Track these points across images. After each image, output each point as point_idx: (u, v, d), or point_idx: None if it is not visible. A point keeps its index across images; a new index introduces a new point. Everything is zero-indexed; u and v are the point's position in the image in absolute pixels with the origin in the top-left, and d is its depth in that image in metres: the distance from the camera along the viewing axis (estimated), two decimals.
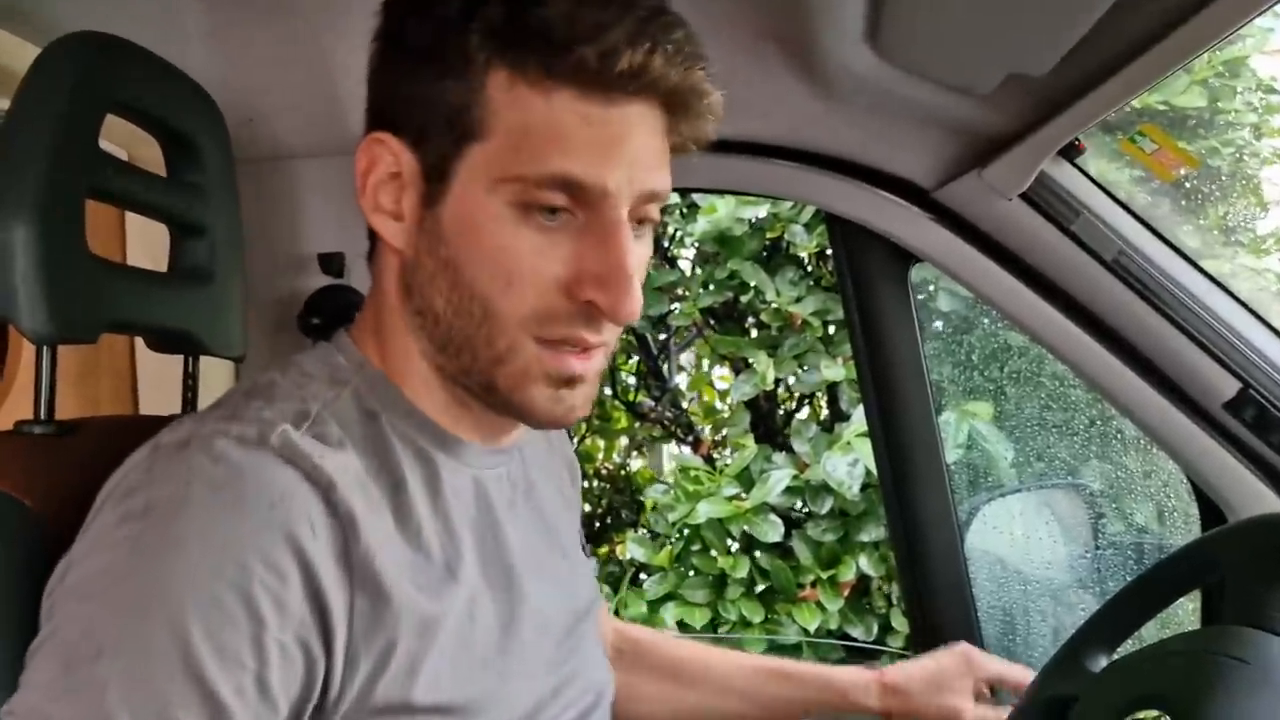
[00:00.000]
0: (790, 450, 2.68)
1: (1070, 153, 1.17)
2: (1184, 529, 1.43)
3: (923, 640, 1.43)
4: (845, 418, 2.65)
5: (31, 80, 0.71)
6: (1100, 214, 1.18)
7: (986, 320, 2.42)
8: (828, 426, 2.71)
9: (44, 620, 0.58)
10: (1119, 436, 1.80)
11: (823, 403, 2.96)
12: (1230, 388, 1.20)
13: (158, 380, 1.27)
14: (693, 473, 2.69)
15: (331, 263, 1.31)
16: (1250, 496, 1.23)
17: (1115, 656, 0.90)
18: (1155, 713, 0.74)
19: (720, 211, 2.67)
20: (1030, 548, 1.51)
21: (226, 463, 0.58)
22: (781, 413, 2.88)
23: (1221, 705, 0.70)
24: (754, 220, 2.70)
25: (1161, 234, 1.22)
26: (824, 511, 2.56)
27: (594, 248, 0.64)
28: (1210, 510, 1.30)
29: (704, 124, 0.67)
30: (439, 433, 0.70)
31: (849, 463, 2.45)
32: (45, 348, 0.73)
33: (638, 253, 0.66)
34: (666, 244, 3.03)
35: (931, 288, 2.39)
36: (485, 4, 0.62)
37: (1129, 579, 0.93)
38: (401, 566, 0.63)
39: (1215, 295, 1.21)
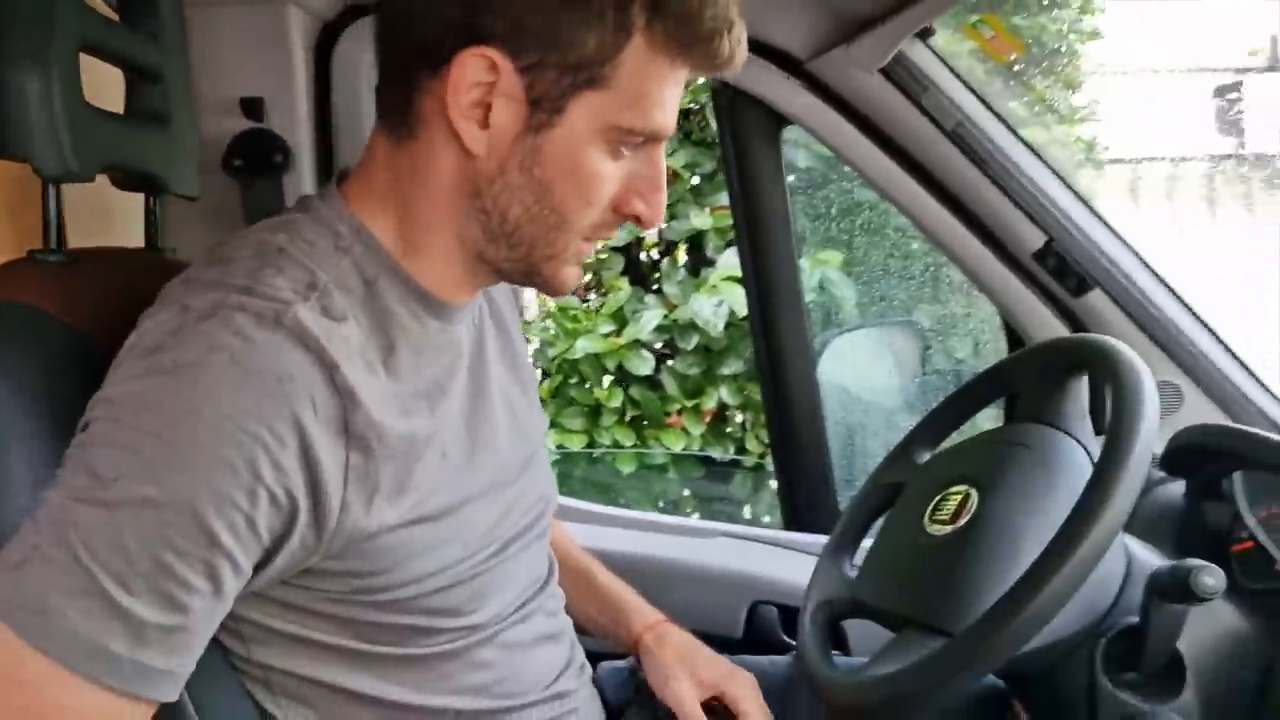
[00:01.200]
0: (660, 293, 2.89)
1: (924, 34, 1.35)
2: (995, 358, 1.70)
3: (782, 453, 1.67)
4: (710, 263, 2.85)
5: None
6: (945, 89, 1.37)
7: (836, 178, 2.64)
8: (695, 271, 2.92)
9: (79, 429, 0.68)
10: (948, 282, 2.05)
11: (681, 251, 3.15)
12: (1038, 240, 1.43)
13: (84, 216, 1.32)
14: (571, 312, 2.87)
15: (253, 107, 1.37)
16: (1048, 330, 1.50)
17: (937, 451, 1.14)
18: (964, 487, 0.96)
19: None
20: (869, 376, 1.76)
21: (245, 338, 0.67)
22: (650, 259, 3.07)
23: (1012, 479, 0.93)
24: None
25: (992, 108, 1.43)
26: (690, 348, 2.80)
27: (646, 172, 0.79)
28: (1017, 343, 1.56)
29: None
30: (431, 299, 0.81)
31: (715, 304, 2.67)
32: (52, 185, 0.81)
33: None
34: None
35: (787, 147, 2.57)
36: None
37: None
38: (394, 414, 0.75)
39: (1031, 161, 1.43)
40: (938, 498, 0.98)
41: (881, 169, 1.43)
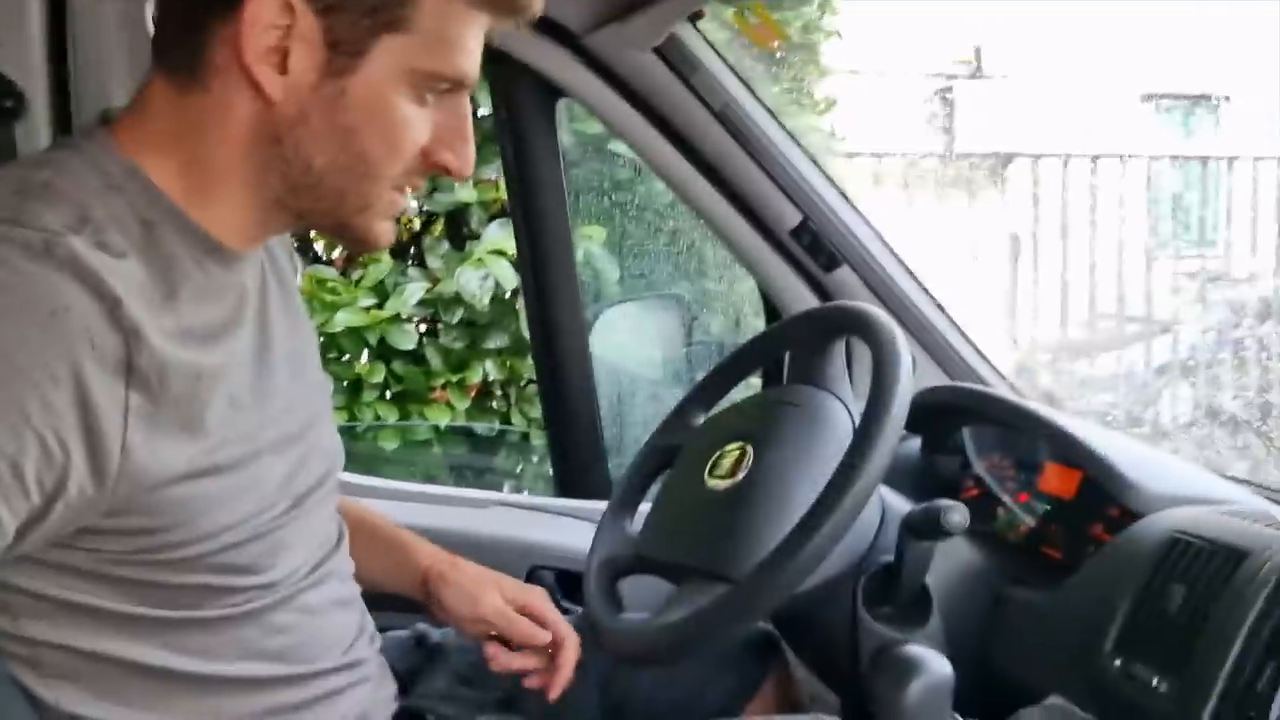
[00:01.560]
0: (424, 266, 2.84)
1: (694, 16, 1.41)
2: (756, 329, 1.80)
3: (555, 422, 1.70)
4: (475, 237, 2.83)
5: None
6: (713, 71, 1.44)
7: (600, 154, 2.69)
8: (459, 245, 2.89)
9: None
10: (711, 259, 2.15)
11: (439, 224, 3.11)
12: (795, 218, 1.54)
13: None
14: (329, 284, 2.77)
15: None
16: (802, 303, 1.61)
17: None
18: (740, 444, 1.03)
19: None
20: (638, 348, 1.83)
21: (11, 269, 0.64)
22: (412, 231, 3.01)
23: (783, 434, 1.01)
24: None
25: (755, 92, 1.52)
26: (454, 321, 2.78)
27: (452, 122, 0.78)
28: (775, 316, 1.67)
29: None
30: (214, 244, 0.77)
31: (481, 277, 2.66)
32: None
33: None
34: None
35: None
36: None
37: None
38: (180, 352, 0.71)
39: (789, 145, 1.53)
40: (716, 455, 1.04)
41: (653, 145, 1.48)
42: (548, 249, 1.63)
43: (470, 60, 0.76)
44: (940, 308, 1.63)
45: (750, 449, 1.01)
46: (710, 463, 1.04)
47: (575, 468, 1.70)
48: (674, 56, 1.42)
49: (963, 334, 1.62)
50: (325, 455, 0.91)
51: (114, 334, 0.67)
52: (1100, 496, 1.09)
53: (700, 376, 1.21)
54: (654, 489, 1.16)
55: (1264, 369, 4.24)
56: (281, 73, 0.72)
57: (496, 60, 1.49)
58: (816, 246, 1.56)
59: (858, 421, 0.98)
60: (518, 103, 1.55)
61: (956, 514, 0.91)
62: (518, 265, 2.66)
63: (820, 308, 1.16)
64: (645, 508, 1.15)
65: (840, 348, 1.09)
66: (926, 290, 1.62)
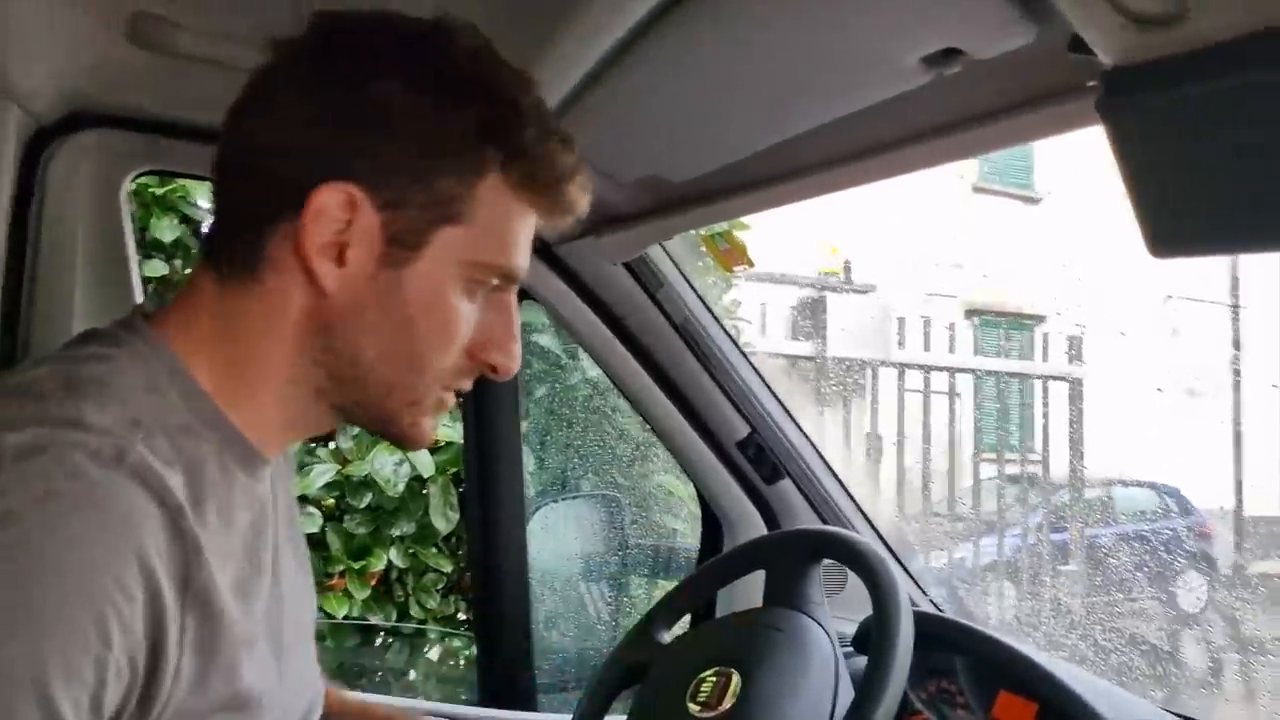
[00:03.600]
0: (333, 448, 2.75)
1: None
2: (690, 537, 1.81)
3: (485, 623, 1.64)
4: None
5: None
6: (676, 287, 1.50)
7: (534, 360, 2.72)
8: None
9: None
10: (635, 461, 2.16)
11: None
12: (743, 430, 1.58)
13: None
14: None
15: None
16: (743, 512, 1.63)
17: (676, 632, 1.19)
18: (722, 669, 1.01)
19: None
20: (572, 545, 1.80)
21: (85, 480, 0.60)
22: None
23: (770, 662, 1.00)
24: None
25: (711, 309, 1.58)
26: (361, 506, 2.67)
27: (499, 319, 0.78)
28: (712, 522, 1.68)
29: None
30: (246, 451, 0.74)
31: (396, 462, 2.60)
32: None
33: None
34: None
35: None
36: (500, 123, 0.73)
37: (653, 573, 1.23)
38: (228, 584, 0.68)
39: (740, 360, 1.59)
40: (696, 679, 1.02)
41: (612, 352, 1.52)
42: (496, 443, 1.62)
43: (521, 255, 0.77)
44: (872, 524, 1.68)
45: (736, 676, 0.99)
46: (691, 687, 1.02)
47: (503, 675, 1.64)
48: (642, 271, 1.48)
49: (893, 553, 1.67)
50: (313, 684, 0.87)
51: (178, 547, 0.63)
52: None
53: (637, 580, 1.20)
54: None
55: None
56: (340, 265, 0.72)
57: None
58: (760, 458, 1.60)
59: (839, 651, 0.99)
60: None
61: None
62: (454, 458, 2.61)
63: (801, 531, 1.18)
64: None
65: (820, 571, 1.10)
66: (860, 508, 1.67)
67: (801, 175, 1.10)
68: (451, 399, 0.80)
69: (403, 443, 0.80)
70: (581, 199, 0.79)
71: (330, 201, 0.70)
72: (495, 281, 0.76)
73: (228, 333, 0.74)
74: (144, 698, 0.62)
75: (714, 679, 1.01)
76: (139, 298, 1.33)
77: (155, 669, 0.62)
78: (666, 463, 2.37)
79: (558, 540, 1.80)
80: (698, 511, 1.75)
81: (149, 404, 0.68)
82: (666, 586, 2.09)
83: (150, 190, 2.67)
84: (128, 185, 1.33)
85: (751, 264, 1.39)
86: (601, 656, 1.92)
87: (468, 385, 0.80)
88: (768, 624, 1.05)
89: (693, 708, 0.99)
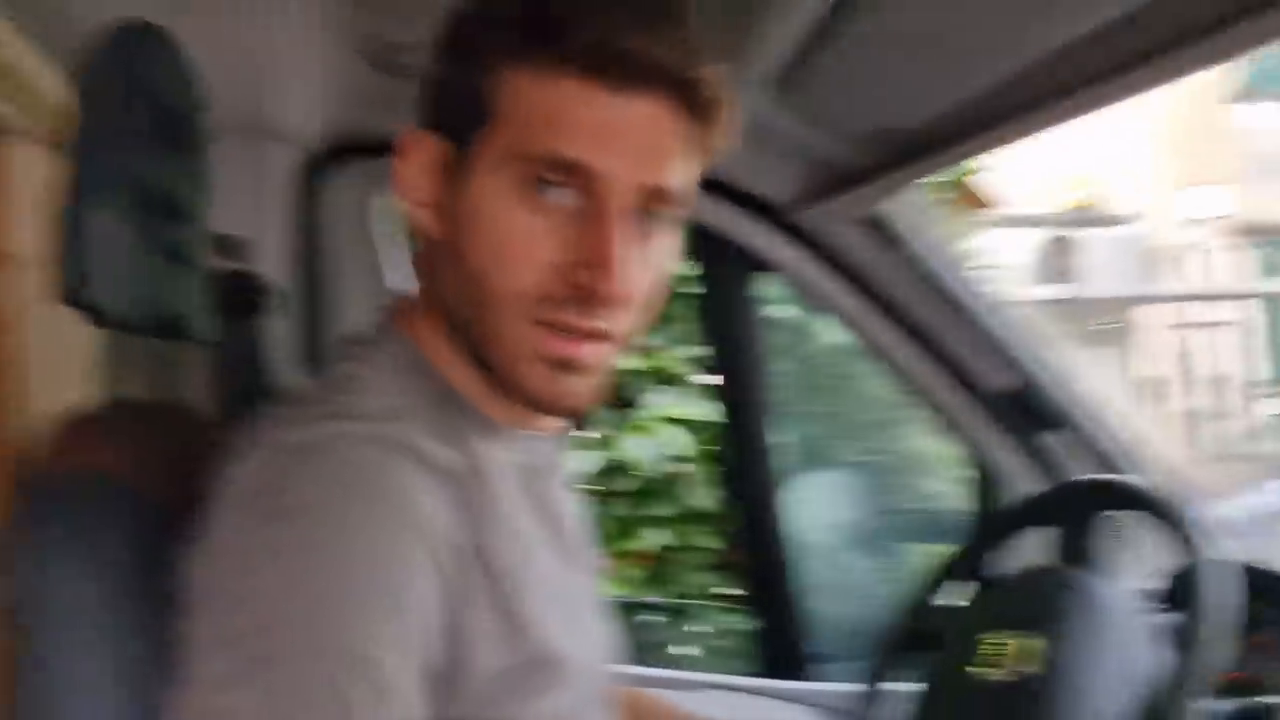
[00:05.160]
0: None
1: None
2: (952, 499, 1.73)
3: (755, 597, 1.65)
4: (629, 404, 2.85)
5: (99, 70, 0.72)
6: (922, 238, 1.44)
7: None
8: (619, 413, 2.91)
9: (191, 594, 0.60)
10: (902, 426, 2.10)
11: None
12: (1010, 380, 1.49)
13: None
14: None
15: (232, 247, 1.31)
16: (1017, 470, 1.54)
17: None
18: (1015, 634, 0.96)
19: None
20: (833, 516, 1.77)
21: (361, 466, 0.62)
22: None
23: (1069, 626, 0.94)
24: None
25: (957, 256, 1.51)
26: (623, 488, 2.76)
27: (588, 232, 0.66)
28: (984, 484, 1.60)
29: (715, 126, 0.70)
30: (489, 423, 0.73)
31: (653, 443, 2.66)
32: (104, 331, 0.74)
33: (639, 244, 0.68)
34: None
35: None
36: (499, 4, 0.68)
37: (918, 536, 1.17)
38: (513, 546, 0.70)
39: (1002, 308, 1.50)
40: (986, 641, 0.97)
41: (859, 315, 1.47)
42: (748, 417, 1.62)
43: (575, 139, 0.65)
44: (1163, 472, 1.54)
45: (1031, 641, 0.94)
46: (979, 649, 0.97)
47: (780, 647, 1.63)
48: (881, 227, 1.42)
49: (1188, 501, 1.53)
50: (607, 641, 0.87)
51: (459, 515, 0.66)
52: None
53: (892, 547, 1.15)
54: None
55: None
56: (429, 208, 0.71)
57: (699, 235, 1.53)
58: (1032, 409, 1.51)
59: (1147, 614, 0.91)
60: (718, 273, 1.57)
61: None
62: (709, 437, 2.61)
63: (1095, 481, 1.10)
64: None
65: (1113, 524, 1.03)
66: (1148, 455, 1.54)
67: (1045, 103, 1.01)
68: (559, 344, 0.68)
69: (517, 397, 0.71)
70: (644, 44, 0.65)
71: (406, 149, 0.71)
72: (555, 177, 0.66)
73: (427, 309, 0.74)
74: (453, 662, 0.64)
75: (1005, 643, 0.96)
76: None
77: (458, 634, 0.64)
78: (920, 426, 2.29)
79: (816, 510, 1.78)
80: (957, 474, 1.67)
81: (401, 390, 0.70)
82: (932, 552, 2.02)
83: None
84: (378, 205, 1.42)
85: (993, 205, 1.30)
86: (871, 626, 1.89)
87: (572, 318, 0.67)
88: (1062, 583, 0.98)
89: (985, 672, 0.95)
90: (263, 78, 1.20)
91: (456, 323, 0.71)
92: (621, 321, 0.70)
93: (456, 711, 0.66)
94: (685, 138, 0.68)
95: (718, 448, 1.62)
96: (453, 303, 0.70)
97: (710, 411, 2.72)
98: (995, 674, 0.95)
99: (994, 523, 1.14)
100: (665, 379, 2.79)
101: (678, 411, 2.70)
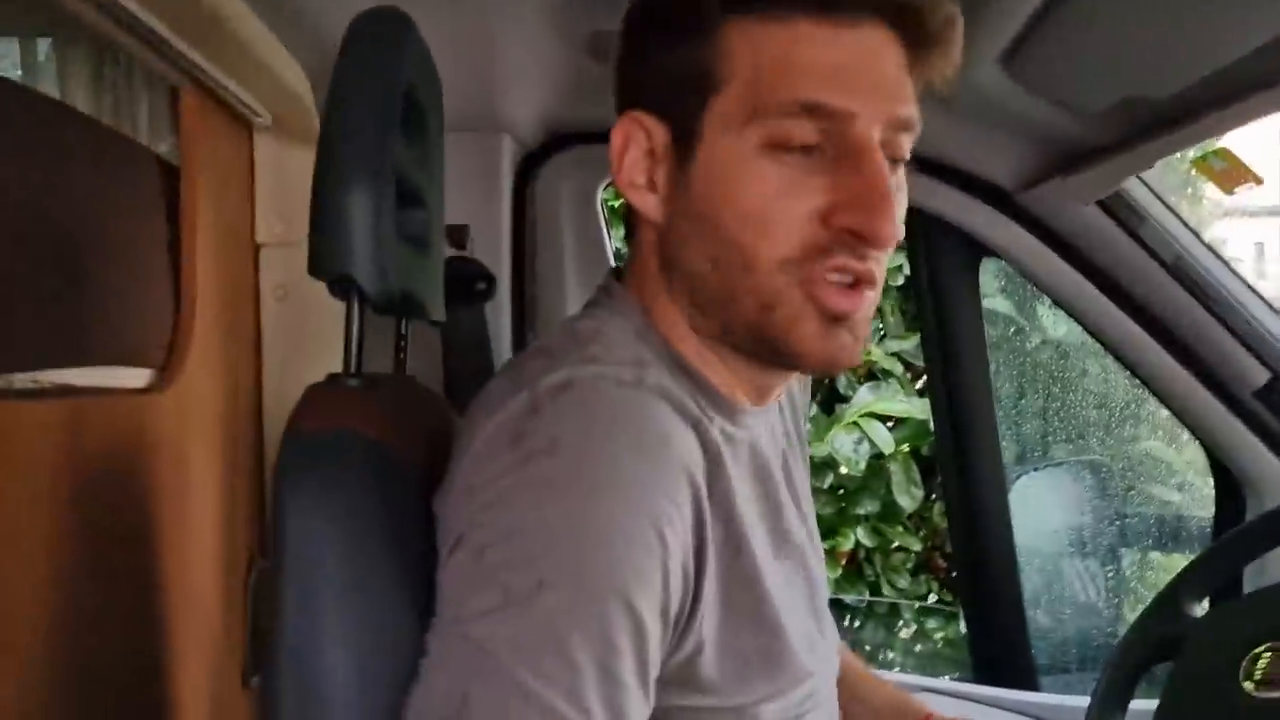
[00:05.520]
0: None
1: None
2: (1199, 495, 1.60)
3: (973, 600, 1.58)
4: (844, 399, 2.79)
5: (354, 53, 0.75)
6: (1162, 221, 1.34)
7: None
8: (826, 408, 2.86)
9: (450, 539, 0.61)
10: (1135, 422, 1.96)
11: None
12: (1261, 376, 1.36)
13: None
14: None
15: (457, 234, 1.37)
16: (1269, 472, 1.41)
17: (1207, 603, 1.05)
18: (1275, 644, 0.87)
19: None
20: (1058, 517, 1.67)
21: (617, 403, 0.63)
22: None
23: None
24: None
25: (1205, 241, 1.39)
26: (824, 486, 2.72)
27: (847, 173, 0.64)
28: (1228, 489, 1.47)
29: (944, 54, 0.68)
30: (722, 400, 0.72)
31: (855, 440, 2.61)
32: (356, 308, 0.77)
33: (893, 179, 0.66)
34: None
35: None
36: None
37: (1147, 547, 1.08)
38: (743, 496, 0.69)
39: (1250, 296, 1.38)
40: (1250, 655, 0.89)
41: (1090, 301, 1.38)
42: (969, 413, 1.55)
43: (819, 80, 0.63)
44: None
45: None
46: (1246, 664, 0.89)
47: (997, 652, 1.56)
48: (1119, 209, 1.33)
49: None
50: (831, 623, 0.85)
51: (704, 455, 0.66)
52: None
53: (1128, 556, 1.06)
54: None
55: None
56: (653, 191, 0.70)
57: (918, 218, 1.47)
58: None
59: None
60: (940, 261, 1.51)
61: None
62: (925, 432, 2.54)
63: None
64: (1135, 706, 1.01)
65: None
66: None
67: None
68: (832, 298, 0.66)
69: (793, 362, 0.70)
70: None
71: (623, 133, 0.70)
72: (804, 129, 0.63)
73: (640, 291, 0.74)
74: (693, 601, 0.64)
75: (1273, 654, 0.87)
76: None
77: (699, 572, 0.64)
78: (1152, 427, 2.13)
79: (1037, 512, 1.68)
80: (1191, 480, 1.54)
81: (639, 347, 0.70)
82: (1166, 562, 1.88)
83: (609, 204, 2.89)
84: (601, 193, 1.45)
85: (1259, 181, 1.19)
86: (1101, 635, 1.77)
87: (847, 260, 0.65)
88: None
89: (1249, 687, 0.87)
90: (488, 69, 1.24)
91: (705, 300, 0.70)
92: (884, 264, 0.69)
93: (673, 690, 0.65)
94: (910, 68, 0.67)
95: (935, 445, 1.56)
96: (700, 281, 0.69)
97: (915, 408, 2.63)
98: (1256, 689, 0.86)
99: (1257, 529, 1.04)
100: (870, 374, 2.73)
101: (882, 407, 2.62)
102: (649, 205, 0.70)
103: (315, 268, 0.73)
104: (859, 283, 0.67)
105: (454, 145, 1.36)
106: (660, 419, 0.64)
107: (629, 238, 0.78)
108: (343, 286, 0.73)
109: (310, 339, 1.20)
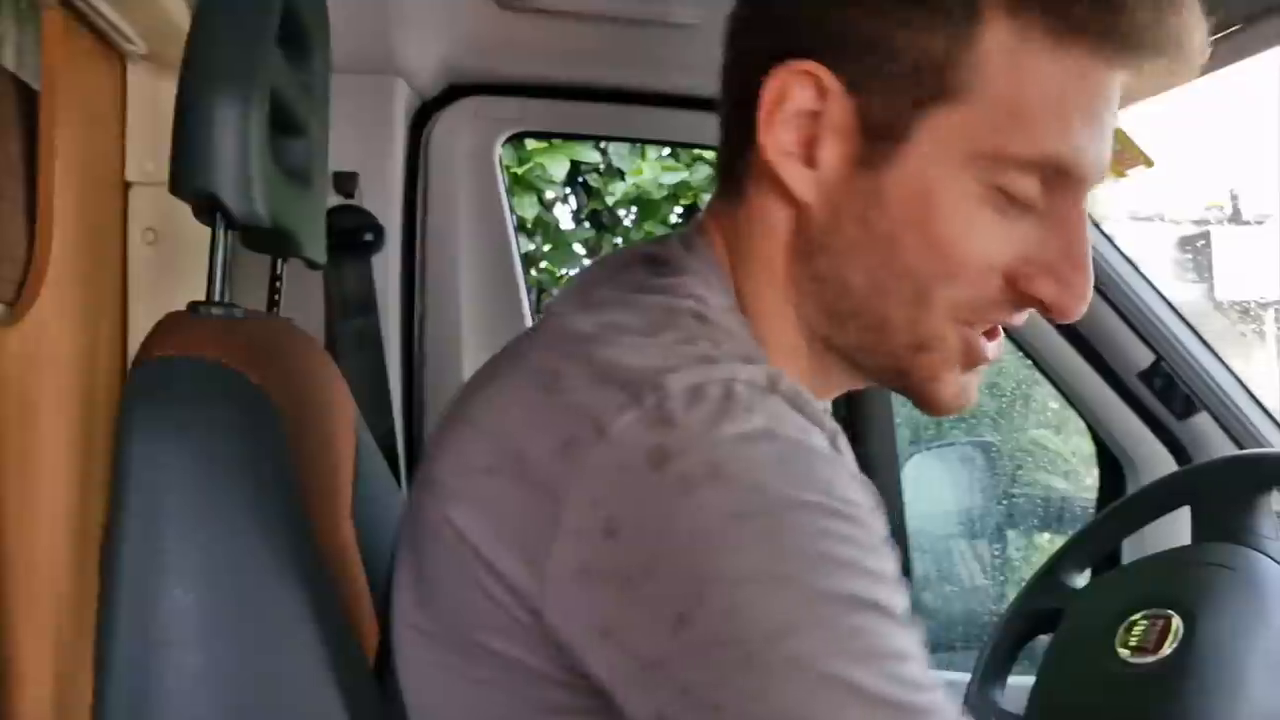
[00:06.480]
0: None
1: None
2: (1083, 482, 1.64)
3: None
4: None
5: None
6: None
7: None
8: None
9: (600, 605, 0.47)
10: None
11: None
12: (1145, 359, 1.39)
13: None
14: None
15: (345, 182, 1.30)
16: (1149, 453, 1.44)
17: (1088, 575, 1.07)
18: (1157, 612, 0.89)
19: (646, 175, 2.75)
20: (947, 496, 1.70)
21: (765, 412, 0.49)
22: None
23: (1220, 603, 0.86)
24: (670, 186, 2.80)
25: (1098, 224, 1.41)
26: None
27: (1054, 236, 0.56)
28: (1111, 465, 1.51)
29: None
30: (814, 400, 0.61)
31: None
32: (223, 231, 0.71)
33: None
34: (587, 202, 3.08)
35: None
36: None
37: (1032, 525, 1.10)
38: None
39: (1139, 281, 1.40)
40: (1126, 623, 0.90)
41: None
42: (864, 392, 1.55)
43: (1072, 134, 0.54)
44: None
45: (1178, 619, 0.87)
46: (1120, 632, 0.90)
47: None
48: None
49: None
50: None
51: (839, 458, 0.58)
52: None
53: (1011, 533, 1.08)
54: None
55: None
56: (810, 167, 0.58)
57: None
58: (1169, 390, 1.41)
59: None
60: None
61: None
62: None
63: (1240, 456, 1.01)
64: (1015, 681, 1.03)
65: (1269, 502, 0.94)
66: None
67: None
68: (988, 349, 0.59)
69: (924, 404, 0.62)
70: (1185, 37, 0.54)
71: (790, 88, 0.57)
72: (1029, 185, 0.55)
73: (733, 265, 0.62)
74: None
75: (1147, 622, 0.89)
76: (515, 251, 1.40)
77: None
78: (1039, 417, 2.18)
79: (928, 492, 1.70)
80: (1075, 468, 1.58)
81: (748, 339, 0.59)
82: (1047, 541, 1.92)
83: (511, 170, 2.82)
84: (499, 149, 1.40)
85: (1150, 163, 1.20)
86: (984, 613, 1.80)
87: (1009, 318, 0.58)
88: (1209, 561, 0.91)
89: (1124, 654, 0.88)
90: (382, 6, 1.18)
91: (847, 313, 0.60)
92: None
93: None
94: None
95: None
96: (847, 292, 0.59)
97: None
98: (1142, 657, 0.88)
99: (1134, 503, 1.06)
100: None
101: None
102: (801, 182, 0.58)
103: (175, 185, 0.67)
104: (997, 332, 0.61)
105: (344, 87, 1.29)
106: (807, 430, 0.52)
107: (728, 194, 0.64)
108: (207, 208, 0.68)
109: (180, 286, 1.12)
